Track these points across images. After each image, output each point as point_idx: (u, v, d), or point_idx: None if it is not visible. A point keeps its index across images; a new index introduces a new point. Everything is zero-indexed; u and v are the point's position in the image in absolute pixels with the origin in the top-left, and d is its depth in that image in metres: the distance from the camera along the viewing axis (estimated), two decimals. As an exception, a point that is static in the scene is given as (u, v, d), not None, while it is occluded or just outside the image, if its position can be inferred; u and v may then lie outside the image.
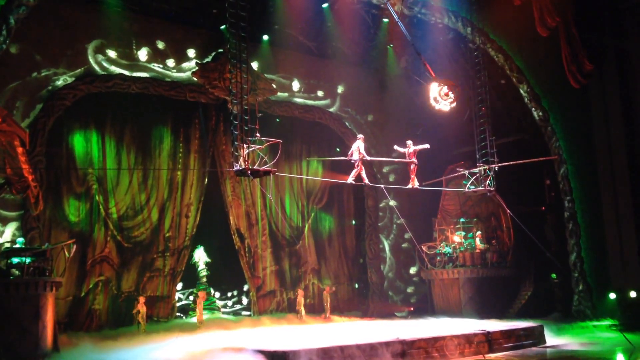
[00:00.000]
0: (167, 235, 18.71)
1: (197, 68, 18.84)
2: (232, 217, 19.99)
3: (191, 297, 19.45)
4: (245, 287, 20.58)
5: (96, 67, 17.61)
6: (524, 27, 18.77)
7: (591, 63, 18.65)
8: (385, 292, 22.76)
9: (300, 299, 20.27)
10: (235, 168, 12.73)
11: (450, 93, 14.21)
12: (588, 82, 19.09)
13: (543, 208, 21.36)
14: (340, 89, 22.73)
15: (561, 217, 20.52)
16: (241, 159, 12.59)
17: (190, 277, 19.50)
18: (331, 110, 22.61)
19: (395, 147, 15.28)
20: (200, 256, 19.75)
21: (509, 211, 16.84)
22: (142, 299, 17.19)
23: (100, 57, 17.70)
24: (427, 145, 15.10)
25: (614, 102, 19.52)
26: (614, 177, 19.55)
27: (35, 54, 16.52)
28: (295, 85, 21.67)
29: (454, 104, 14.39)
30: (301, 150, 22.19)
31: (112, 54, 17.88)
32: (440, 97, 14.23)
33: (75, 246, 15.22)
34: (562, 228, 20.45)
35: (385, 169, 23.49)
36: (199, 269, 19.72)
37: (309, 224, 21.94)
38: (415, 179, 15.21)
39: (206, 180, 19.63)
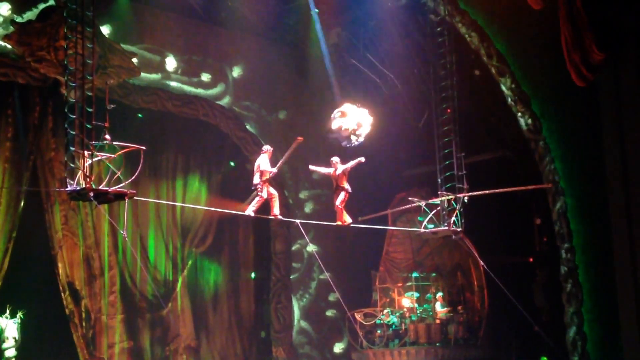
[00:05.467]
0: (-49, 293, 18.26)
1: (12, 29, 18.47)
2: (61, 264, 19.82)
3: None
4: (80, 377, 20.09)
5: None
6: (509, -4, 19.36)
7: (602, 51, 19.38)
8: (298, 383, 22.93)
9: None
10: (69, 188, 12.47)
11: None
12: (597, 77, 19.82)
13: (531, 259, 21.85)
14: (237, 72, 22.96)
15: (556, 273, 20.96)
16: (79, 174, 12.34)
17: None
18: (223, 103, 22.82)
19: (312, 167, 15.09)
20: (7, 330, 18.93)
21: (482, 263, 17.19)
22: None
23: None
24: (361, 159, 15.00)
25: (633, 105, 20.23)
26: (631, 214, 20.23)
27: None
28: (170, 63, 21.82)
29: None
30: (175, 162, 22.42)
31: None
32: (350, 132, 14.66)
33: None
34: (557, 289, 20.93)
35: (302, 194, 23.46)
36: (3, 347, 18.89)
37: (183, 276, 22.05)
38: (346, 214, 15.13)
39: (21, 205, 19.45)
